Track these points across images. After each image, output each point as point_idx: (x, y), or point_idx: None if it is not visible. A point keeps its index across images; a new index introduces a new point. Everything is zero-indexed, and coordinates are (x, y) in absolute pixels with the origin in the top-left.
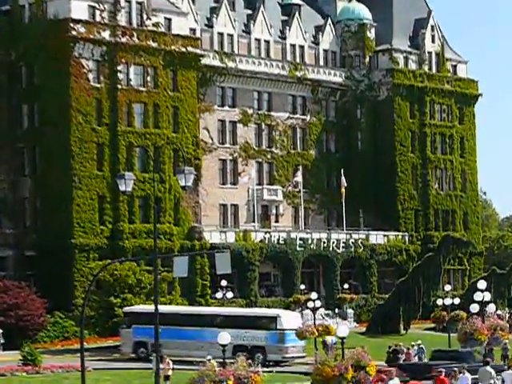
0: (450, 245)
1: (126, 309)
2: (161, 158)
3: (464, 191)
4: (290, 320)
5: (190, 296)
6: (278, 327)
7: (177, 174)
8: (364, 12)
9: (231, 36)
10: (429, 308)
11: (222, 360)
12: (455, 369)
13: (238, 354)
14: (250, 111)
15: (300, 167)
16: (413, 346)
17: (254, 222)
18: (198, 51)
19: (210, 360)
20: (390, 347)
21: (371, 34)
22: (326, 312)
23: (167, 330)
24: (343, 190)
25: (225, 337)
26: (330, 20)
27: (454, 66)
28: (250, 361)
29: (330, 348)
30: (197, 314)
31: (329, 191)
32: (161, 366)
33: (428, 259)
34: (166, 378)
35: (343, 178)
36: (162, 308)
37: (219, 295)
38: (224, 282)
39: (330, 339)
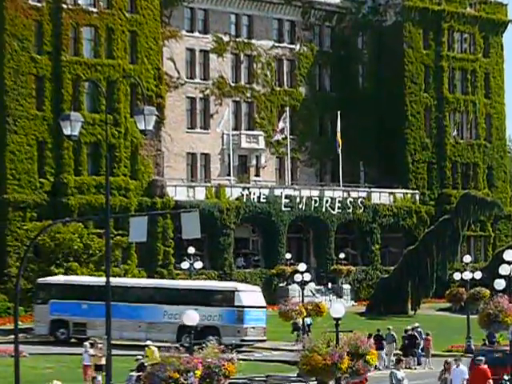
0: (470, 206)
1: (41, 280)
2: (115, 95)
3: (489, 140)
4: (250, 295)
5: (149, 266)
6: (236, 304)
7: (135, 115)
8: None
9: None
10: (444, 284)
11: (188, 344)
12: (449, 360)
13: (184, 337)
14: (226, 38)
15: (287, 109)
16: (389, 330)
17: (229, 175)
18: None
19: (148, 345)
20: (406, 331)
21: None
22: (317, 287)
23: (95, 307)
24: (339, 137)
25: (191, 316)
26: None
27: None
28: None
29: (304, 331)
30: (133, 287)
31: (322, 139)
32: (90, 351)
33: (443, 223)
34: (98, 368)
35: (340, 122)
36: (85, 279)
37: (185, 265)
38: (192, 250)
39: (307, 320)
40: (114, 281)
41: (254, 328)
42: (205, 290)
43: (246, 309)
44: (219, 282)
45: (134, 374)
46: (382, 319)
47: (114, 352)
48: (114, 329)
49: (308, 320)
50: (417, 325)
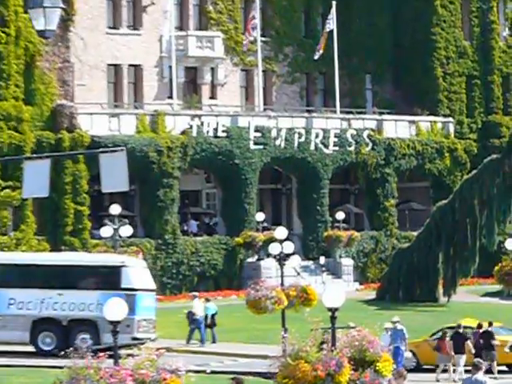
0: None
1: None
2: None
3: None
4: (140, 273)
5: (53, 233)
6: (124, 285)
7: (29, 8)
8: None
9: None
10: (491, 256)
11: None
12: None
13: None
14: None
15: None
16: (386, 329)
17: (170, 97)
18: None
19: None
20: (456, 327)
21: None
22: (304, 263)
23: None
24: (335, 37)
25: (115, 307)
26: None
27: None
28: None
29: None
30: None
31: (309, 42)
32: None
33: (490, 167)
34: None
35: (335, 17)
36: None
37: (107, 232)
38: (116, 209)
39: (209, 308)
40: None
41: (146, 321)
42: (75, 266)
43: (137, 293)
44: (98, 254)
45: None
46: (400, 309)
47: None
48: None
49: (210, 307)
50: (396, 319)
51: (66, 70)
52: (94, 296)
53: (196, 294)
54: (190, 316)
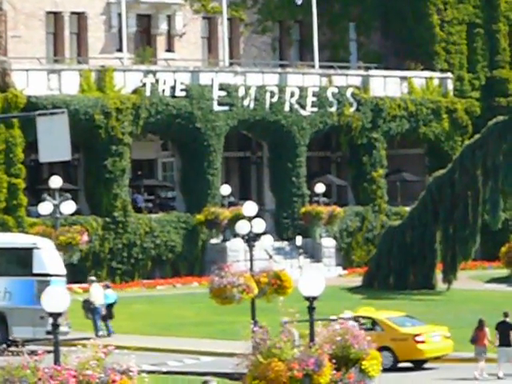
0: None
1: None
2: None
3: None
4: (54, 256)
5: None
6: (37, 271)
7: None
8: None
9: None
10: (496, 235)
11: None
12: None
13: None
14: None
15: None
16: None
17: (120, 50)
18: None
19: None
20: (503, 315)
21: None
22: (278, 245)
23: None
24: None
25: (56, 296)
26: None
27: None
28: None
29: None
30: None
31: None
32: None
33: (495, 131)
34: None
35: None
36: None
37: (46, 208)
38: (56, 181)
39: (108, 295)
40: None
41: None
42: None
43: (52, 279)
44: (4, 234)
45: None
46: (392, 298)
47: None
48: None
49: (109, 295)
50: (347, 315)
51: None
52: (1, 283)
53: (93, 278)
54: (87, 305)
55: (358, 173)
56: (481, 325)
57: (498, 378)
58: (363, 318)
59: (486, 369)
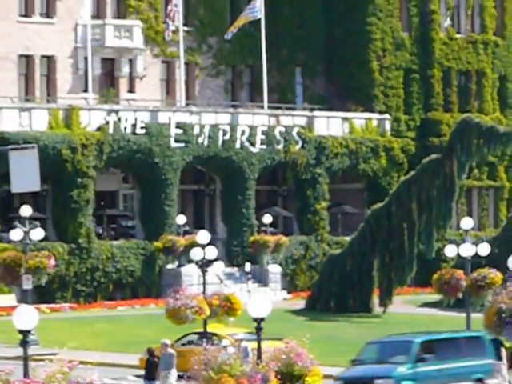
0: (471, 138)
1: None
2: None
3: (501, 34)
4: None
5: None
6: None
7: None
8: None
9: None
10: (429, 263)
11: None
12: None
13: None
14: None
15: None
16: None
17: (86, 91)
18: None
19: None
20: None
21: None
22: (228, 270)
23: None
24: (263, 26)
25: (26, 315)
26: None
27: None
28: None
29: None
30: None
31: (235, 32)
32: None
33: (429, 167)
34: None
35: (262, 2)
36: None
37: (16, 234)
38: (26, 210)
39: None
40: None
41: None
42: None
43: None
44: None
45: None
46: (332, 320)
47: None
48: None
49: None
50: (167, 342)
51: None
52: None
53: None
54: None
55: (303, 205)
56: None
57: None
58: (211, 334)
59: None
